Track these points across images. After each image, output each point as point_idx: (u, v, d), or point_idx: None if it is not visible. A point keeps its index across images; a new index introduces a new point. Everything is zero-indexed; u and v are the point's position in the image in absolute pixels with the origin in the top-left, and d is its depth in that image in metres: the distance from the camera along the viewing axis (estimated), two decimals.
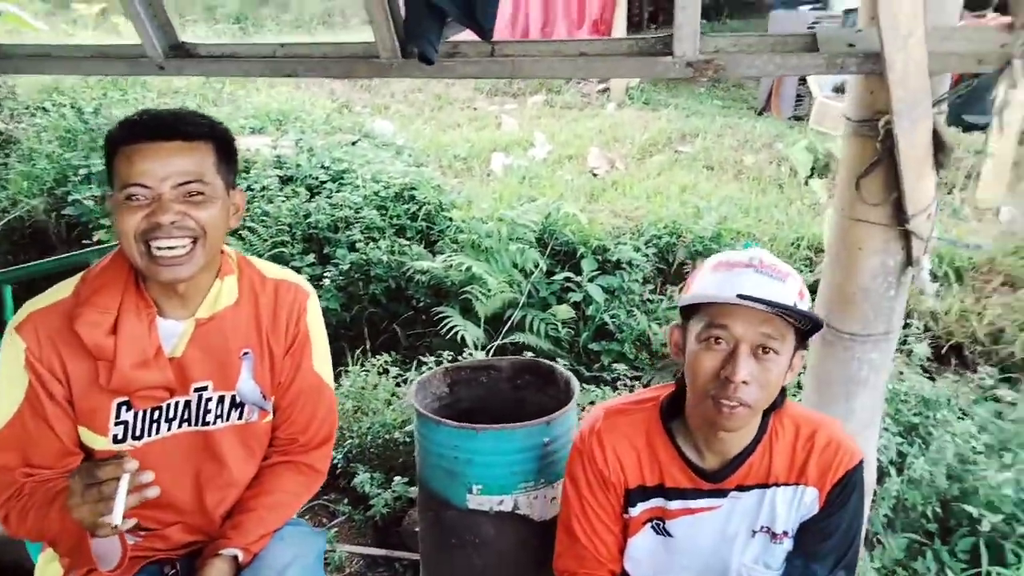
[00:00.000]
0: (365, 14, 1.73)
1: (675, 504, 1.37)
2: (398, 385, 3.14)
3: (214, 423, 1.39)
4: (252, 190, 4.97)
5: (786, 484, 1.33)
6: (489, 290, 3.93)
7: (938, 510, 2.14)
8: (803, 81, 7.41)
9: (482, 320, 3.88)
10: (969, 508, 2.06)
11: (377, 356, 3.39)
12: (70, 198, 5.05)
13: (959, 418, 2.31)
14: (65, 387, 1.30)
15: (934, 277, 1.72)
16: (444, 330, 3.81)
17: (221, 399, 1.39)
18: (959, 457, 2.19)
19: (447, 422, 1.85)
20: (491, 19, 1.55)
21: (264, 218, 4.65)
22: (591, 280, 4.11)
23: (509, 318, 4.03)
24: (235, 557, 1.35)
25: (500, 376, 2.23)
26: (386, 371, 3.29)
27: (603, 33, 8.18)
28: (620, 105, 7.94)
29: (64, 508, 1.19)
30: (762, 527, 1.36)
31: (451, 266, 4.13)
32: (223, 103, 7.18)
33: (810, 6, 8.18)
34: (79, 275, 1.37)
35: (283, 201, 4.80)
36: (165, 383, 1.32)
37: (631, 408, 1.44)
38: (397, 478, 2.59)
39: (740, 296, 1.17)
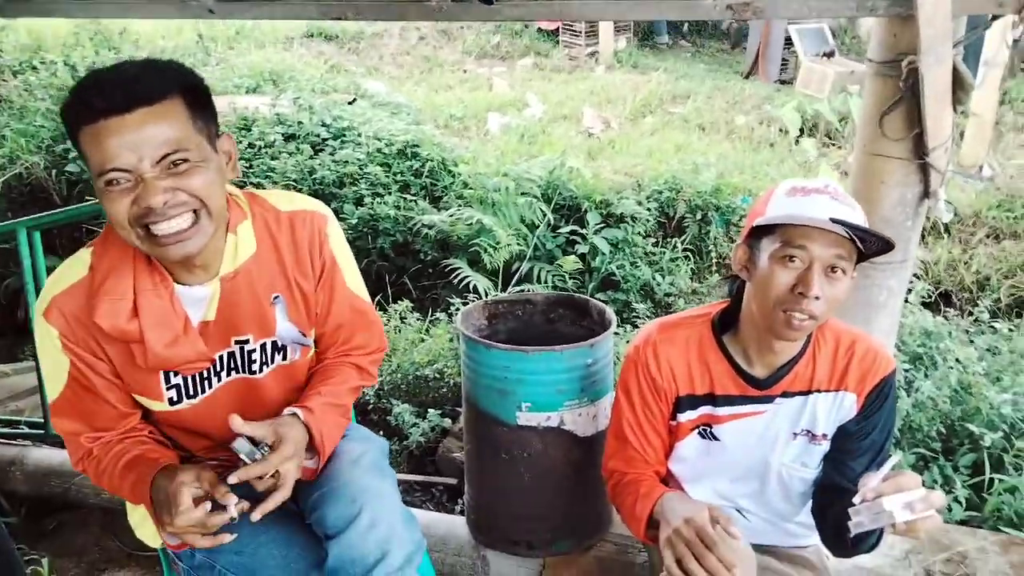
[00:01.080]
0: None
1: (723, 411, 1.48)
2: (421, 331, 3.26)
3: (260, 371, 1.40)
4: (255, 147, 5.02)
5: (827, 391, 1.45)
6: (498, 242, 4.05)
7: (942, 429, 2.32)
8: (788, 45, 7.56)
9: (498, 272, 4.00)
10: (971, 427, 2.25)
11: (398, 303, 3.50)
12: (71, 155, 5.05)
13: (964, 345, 2.50)
14: (107, 362, 1.28)
15: (950, 206, 1.88)
16: (455, 281, 3.93)
17: (263, 346, 1.38)
18: (961, 382, 2.38)
19: (499, 345, 1.98)
20: None
21: (270, 174, 4.70)
22: (596, 233, 4.24)
23: (516, 270, 4.17)
24: (295, 415, 1.34)
25: (535, 309, 2.36)
26: (404, 317, 3.42)
27: None
28: (609, 68, 8.04)
29: (134, 488, 1.25)
30: (803, 430, 1.48)
31: (458, 220, 4.25)
32: (212, 64, 7.14)
33: None
34: (88, 250, 1.27)
35: (288, 157, 4.86)
36: (199, 356, 1.28)
37: (684, 322, 1.55)
38: (431, 411, 2.73)
39: (832, 219, 1.27)
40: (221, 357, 1.33)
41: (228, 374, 1.36)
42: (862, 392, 1.44)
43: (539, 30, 8.92)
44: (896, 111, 1.80)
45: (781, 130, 5.85)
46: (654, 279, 4.02)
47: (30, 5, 2.29)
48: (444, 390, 2.86)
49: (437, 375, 2.87)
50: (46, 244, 2.71)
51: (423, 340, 3.16)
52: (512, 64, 8.34)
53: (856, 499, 1.18)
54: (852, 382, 1.44)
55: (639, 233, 4.31)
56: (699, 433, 1.53)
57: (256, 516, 1.21)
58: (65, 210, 3.00)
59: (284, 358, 1.41)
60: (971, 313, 3.17)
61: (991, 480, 2.13)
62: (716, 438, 1.51)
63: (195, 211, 1.16)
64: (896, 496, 1.15)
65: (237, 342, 1.34)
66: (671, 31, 9.45)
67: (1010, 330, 2.77)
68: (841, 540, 1.34)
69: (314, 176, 4.74)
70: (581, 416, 2.02)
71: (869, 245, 1.34)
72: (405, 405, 2.73)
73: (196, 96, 1.17)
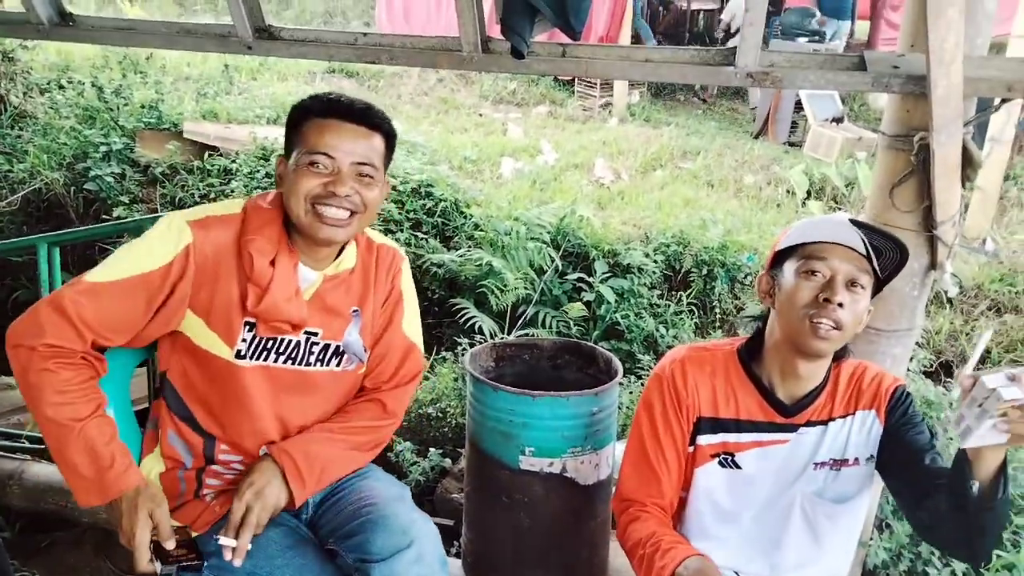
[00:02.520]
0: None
1: (746, 437, 1.50)
2: (429, 369, 3.28)
3: (314, 365, 1.52)
4: (272, 176, 5.09)
5: (842, 417, 1.49)
6: (505, 285, 4.10)
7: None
8: (799, 109, 7.72)
9: (504, 314, 4.04)
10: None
11: None
12: (91, 174, 5.13)
13: None
14: (196, 296, 1.39)
15: (955, 280, 1.92)
16: (461, 320, 3.96)
17: (326, 347, 1.53)
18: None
19: (506, 388, 2.00)
20: (582, 21, 1.73)
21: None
22: (603, 282, 4.29)
23: (522, 313, 4.20)
24: (269, 455, 1.44)
25: (542, 354, 2.39)
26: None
27: None
28: (622, 120, 8.19)
29: (82, 449, 1.30)
30: (828, 460, 1.50)
31: (467, 260, 4.30)
32: (235, 93, 7.30)
33: (807, 38, 8.50)
34: (240, 200, 1.48)
35: None
36: (299, 319, 1.45)
37: (712, 348, 1.59)
38: (432, 449, 2.74)
39: (851, 221, 1.39)
40: (288, 340, 1.47)
41: (284, 361, 1.48)
42: (880, 407, 1.49)
43: (555, 79, 9.11)
44: (906, 184, 1.86)
45: (788, 191, 5.94)
46: (658, 331, 4.06)
47: (77, 32, 2.38)
48: (446, 430, 2.87)
49: (440, 414, 2.89)
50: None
51: (427, 378, 3.17)
52: (527, 111, 8.50)
53: (955, 394, 1.11)
54: (865, 401, 1.50)
55: (645, 284, 4.36)
56: (719, 462, 1.54)
57: (237, 562, 1.32)
58: (87, 229, 3.05)
59: (339, 365, 1.55)
60: None
61: (991, 555, 2.13)
62: (738, 466, 1.53)
63: (353, 212, 1.40)
64: (997, 374, 1.07)
65: (307, 333, 1.48)
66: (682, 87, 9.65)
67: None
68: (964, 506, 1.23)
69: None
70: (584, 464, 2.03)
71: (884, 265, 1.42)
72: (407, 443, 2.74)
73: (390, 141, 1.49)
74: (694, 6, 10.93)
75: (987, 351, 3.85)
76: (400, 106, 8.19)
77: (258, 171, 5.18)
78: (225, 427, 1.47)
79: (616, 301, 4.25)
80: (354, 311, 1.54)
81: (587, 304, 4.27)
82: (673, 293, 4.46)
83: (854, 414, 1.48)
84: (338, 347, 1.53)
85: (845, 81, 1.80)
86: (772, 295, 1.48)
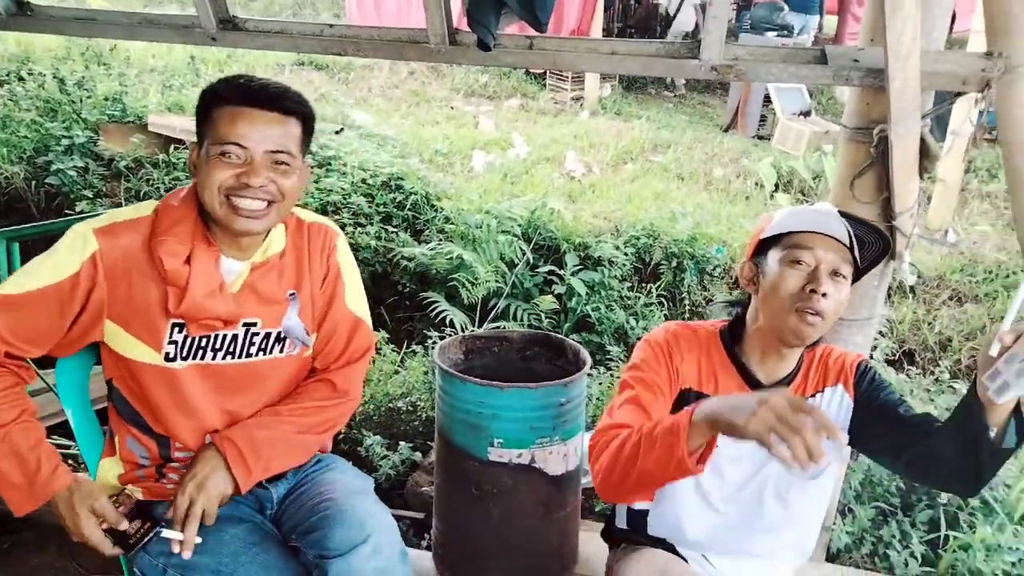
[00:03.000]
0: None
1: None
2: (399, 363, 3.27)
3: (256, 355, 1.50)
4: None
5: (812, 395, 1.53)
6: (476, 278, 4.10)
7: (901, 485, 2.38)
8: (767, 103, 7.80)
9: (475, 307, 4.04)
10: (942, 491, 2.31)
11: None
12: (52, 168, 5.03)
13: (925, 404, 2.57)
14: (113, 305, 1.36)
15: (913, 270, 1.96)
16: (432, 314, 3.95)
17: (267, 335, 1.50)
18: None
19: (475, 380, 2.01)
20: (548, 13, 1.73)
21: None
22: (573, 274, 4.31)
23: (493, 306, 4.21)
24: (212, 444, 1.43)
25: (511, 347, 2.39)
26: (379, 348, 3.43)
27: None
28: (593, 114, 8.21)
29: (7, 454, 1.30)
30: None
31: (438, 254, 4.29)
32: (202, 85, 7.17)
33: (775, 33, 8.60)
34: (154, 203, 1.45)
35: None
36: (227, 315, 1.42)
37: (696, 327, 1.62)
38: (402, 443, 2.73)
39: (840, 212, 1.42)
40: (225, 336, 1.44)
41: (224, 357, 1.45)
42: (847, 382, 1.54)
43: (527, 73, 9.11)
44: (866, 175, 1.89)
45: (757, 184, 6.01)
46: (628, 323, 4.09)
47: (35, 22, 2.33)
48: (416, 423, 2.87)
49: (410, 408, 2.88)
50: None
51: (397, 372, 3.17)
52: (499, 104, 8.49)
53: (992, 351, 1.10)
54: (832, 378, 1.54)
55: (615, 277, 4.39)
56: None
57: (186, 554, 1.32)
58: (46, 223, 2.99)
59: (282, 351, 1.52)
60: (933, 373, 3.26)
61: (946, 537, 2.19)
62: (715, 444, 1.55)
63: (271, 202, 1.37)
64: None
65: (245, 324, 1.46)
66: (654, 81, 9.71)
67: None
68: (977, 451, 1.25)
69: (297, 204, 4.76)
70: (552, 454, 2.04)
71: (864, 256, 1.46)
72: (376, 437, 2.74)
73: (308, 125, 1.44)
74: None
75: (948, 339, 3.94)
76: (371, 99, 8.13)
77: None
78: (174, 428, 1.45)
79: (587, 293, 4.27)
80: (291, 295, 1.51)
81: (558, 297, 4.29)
82: (643, 285, 4.50)
83: (823, 391, 1.53)
84: (279, 333, 1.51)
85: (807, 74, 1.82)
86: (755, 282, 1.51)
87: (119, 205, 5.01)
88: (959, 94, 1.79)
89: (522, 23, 1.88)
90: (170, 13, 2.30)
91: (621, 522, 1.76)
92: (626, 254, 4.52)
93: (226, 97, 1.36)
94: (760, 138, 7.65)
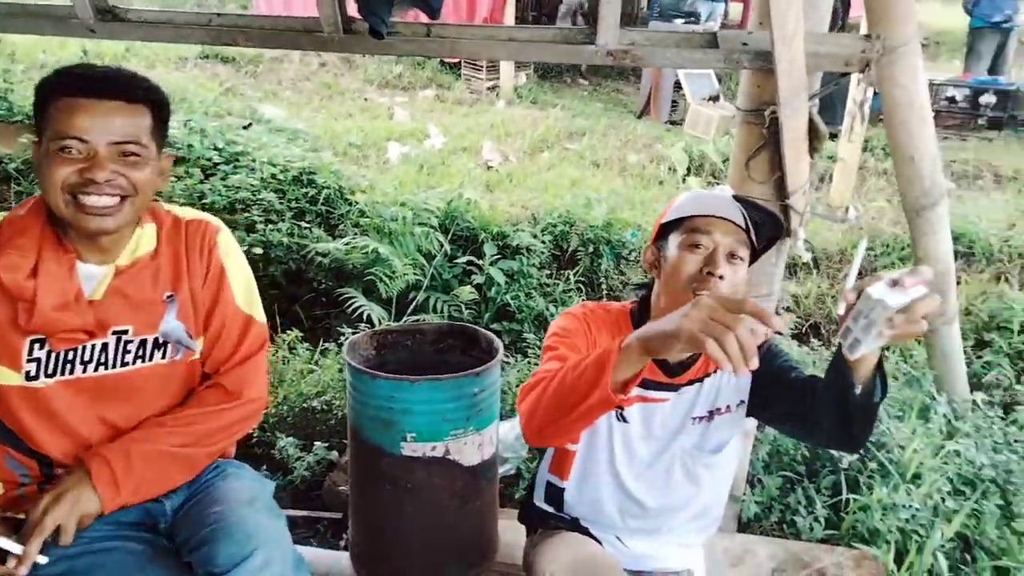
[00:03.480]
0: None
1: (634, 392, 1.51)
2: (313, 361, 3.19)
3: (133, 364, 1.41)
4: None
5: (715, 371, 1.58)
6: (394, 272, 4.04)
7: (806, 454, 2.48)
8: (678, 88, 7.97)
9: (393, 302, 3.98)
10: (831, 451, 2.42)
11: (286, 333, 3.43)
12: None
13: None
14: None
15: (808, 246, 2.03)
16: (349, 310, 3.88)
17: (143, 342, 1.41)
18: None
19: (383, 375, 1.97)
20: (440, 0, 1.70)
21: (156, 198, 4.50)
22: (492, 264, 4.30)
23: (412, 300, 4.16)
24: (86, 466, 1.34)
25: (425, 340, 2.37)
26: (293, 347, 3.34)
27: None
28: (509, 103, 8.22)
29: None
30: (705, 414, 1.58)
31: (354, 248, 4.21)
32: None
33: (683, 20, 8.80)
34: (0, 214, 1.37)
35: (175, 181, 4.68)
36: (84, 325, 1.33)
37: (607, 306, 1.65)
38: (317, 443, 2.67)
39: (734, 197, 1.46)
40: (93, 346, 1.36)
41: (96, 368, 1.37)
42: None
43: (441, 63, 9.03)
44: (760, 156, 1.95)
45: (670, 169, 6.14)
46: (548, 310, 4.11)
47: None
48: (332, 422, 2.81)
49: (325, 407, 2.82)
50: None
51: (312, 371, 3.09)
52: (414, 95, 8.40)
53: (840, 309, 1.10)
54: None
55: (534, 265, 4.40)
56: (614, 414, 1.58)
57: (22, 571, 1.22)
58: None
59: (164, 356, 1.44)
60: (834, 345, 3.40)
61: (847, 500, 2.29)
62: (626, 420, 1.58)
63: (123, 197, 1.30)
64: (878, 283, 1.06)
65: (115, 332, 1.38)
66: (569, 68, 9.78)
67: None
68: (847, 407, 1.26)
69: (204, 201, 4.59)
70: (467, 445, 2.03)
71: (760, 237, 1.50)
72: (290, 438, 2.66)
73: (161, 113, 1.37)
74: None
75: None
76: (281, 92, 7.91)
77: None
78: (49, 448, 1.37)
79: (506, 283, 4.27)
80: (168, 297, 1.43)
81: (477, 287, 4.27)
82: (561, 272, 4.53)
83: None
84: (157, 339, 1.43)
85: (700, 58, 1.86)
86: (657, 266, 1.55)
87: (9, 209, 4.71)
88: (844, 75, 1.86)
89: (417, 11, 1.85)
90: (44, 3, 2.16)
91: (539, 499, 1.78)
92: (544, 242, 4.54)
93: (63, 88, 1.27)
94: (672, 123, 7.82)
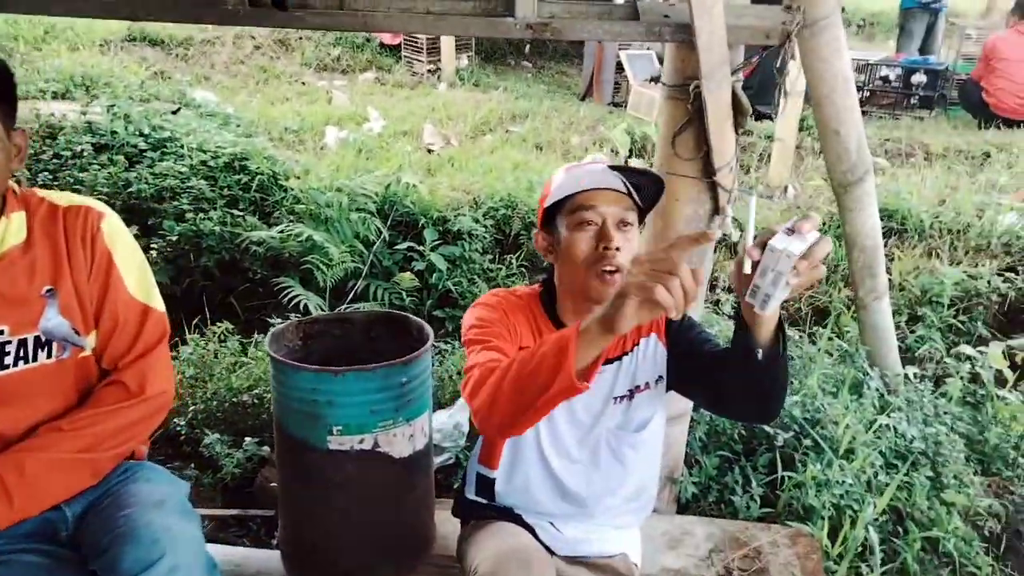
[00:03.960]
0: None
1: None
2: (242, 353, 3.08)
3: (14, 366, 1.32)
4: (61, 157, 4.59)
5: (631, 349, 1.54)
6: (330, 259, 3.93)
7: (743, 432, 2.49)
8: (621, 70, 7.96)
9: (327, 290, 3.87)
10: (767, 428, 2.43)
11: (216, 325, 3.30)
12: None
13: None
14: None
15: (736, 223, 2.02)
16: (285, 300, 3.76)
17: (23, 342, 1.32)
18: None
19: (306, 366, 1.89)
20: None
21: (78, 187, 4.30)
22: (433, 250, 4.22)
23: (352, 288, 4.06)
24: None
25: (354, 329, 2.29)
26: (225, 339, 3.22)
27: None
28: (451, 85, 8.10)
29: None
30: (625, 392, 1.55)
31: (289, 236, 4.08)
32: (15, 65, 6.49)
33: None
34: None
35: (98, 169, 4.47)
36: None
37: (517, 291, 1.61)
38: (248, 439, 2.58)
39: (609, 167, 1.43)
40: None
41: None
42: (660, 330, 1.56)
43: (381, 45, 8.84)
44: (686, 132, 1.91)
45: (613, 151, 6.12)
46: None
47: None
48: (264, 416, 2.71)
49: (256, 401, 2.72)
50: None
51: (243, 364, 2.98)
52: (353, 78, 8.20)
53: (746, 268, 1.08)
54: (645, 328, 1.55)
55: (477, 250, 4.33)
56: None
57: None
58: None
59: (49, 356, 1.35)
60: None
61: (783, 478, 2.30)
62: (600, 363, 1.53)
63: None
64: (777, 235, 1.06)
65: None
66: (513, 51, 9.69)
67: (800, 336, 3.04)
68: (754, 374, 1.24)
69: (129, 190, 4.39)
70: (397, 437, 1.97)
71: (644, 197, 1.48)
72: (217, 435, 2.56)
73: (3, 87, 1.27)
74: None
75: None
76: (214, 76, 7.64)
77: (44, 152, 4.63)
78: None
79: (448, 269, 4.20)
80: (48, 291, 1.34)
81: (419, 274, 4.19)
82: (504, 257, 4.47)
83: (639, 343, 1.54)
84: (39, 338, 1.34)
85: (621, 31, 1.81)
86: (553, 251, 1.51)
87: None
88: (765, 48, 1.84)
89: None
90: None
91: (471, 492, 1.74)
92: (485, 227, 4.47)
93: None
94: (616, 105, 7.80)
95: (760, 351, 1.20)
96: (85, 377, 1.42)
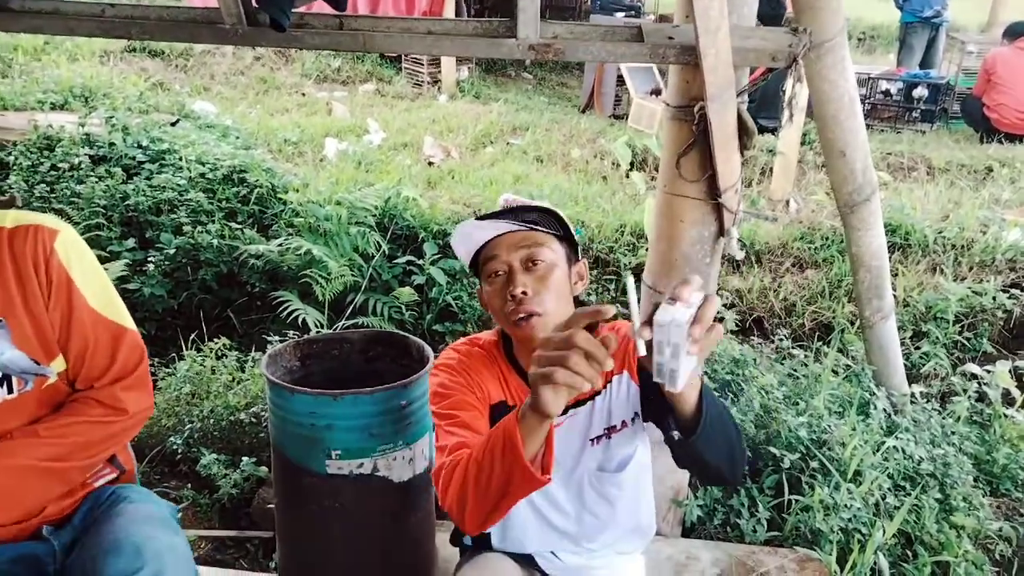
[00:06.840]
0: None
1: None
2: (239, 370, 3.04)
3: None
4: (58, 169, 4.56)
5: (604, 388, 1.49)
6: (329, 273, 3.90)
7: (748, 454, 2.44)
8: (621, 83, 7.95)
9: (326, 305, 3.84)
10: (773, 450, 2.39)
11: (214, 341, 3.26)
12: None
13: (770, 371, 2.66)
14: None
15: (741, 245, 1.99)
16: (284, 315, 3.73)
17: None
18: (764, 407, 2.52)
19: (304, 390, 1.86)
20: None
21: (75, 199, 4.28)
22: (433, 263, 4.19)
23: (351, 302, 4.02)
24: None
25: (352, 349, 2.26)
26: (223, 356, 3.19)
27: None
28: (451, 97, 8.09)
29: None
30: (603, 432, 1.50)
31: (288, 250, 4.05)
32: (14, 75, 6.48)
33: (624, 13, 8.78)
34: None
35: (96, 182, 4.44)
36: None
37: (477, 340, 1.57)
38: (245, 458, 2.54)
39: (505, 208, 1.42)
40: None
41: None
42: (631, 367, 1.49)
43: (381, 56, 8.84)
44: (691, 154, 1.89)
45: (613, 163, 6.09)
46: None
47: None
48: (262, 435, 2.67)
49: (254, 420, 2.68)
50: None
51: (241, 381, 2.95)
52: (353, 89, 8.20)
53: (641, 350, 1.02)
54: (617, 365, 1.49)
55: None
56: None
57: None
58: None
59: (10, 391, 1.26)
60: (780, 338, 3.40)
61: (790, 501, 2.27)
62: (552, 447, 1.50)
63: None
64: (660, 309, 1.01)
65: None
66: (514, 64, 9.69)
67: (806, 355, 3.00)
68: (674, 442, 1.21)
69: (127, 202, 4.36)
70: (397, 460, 1.94)
71: (550, 225, 1.45)
72: (213, 454, 2.52)
73: None
74: None
75: (793, 304, 4.13)
76: (213, 87, 7.63)
77: (41, 164, 4.60)
78: None
79: (448, 282, 4.17)
80: None
81: (419, 288, 4.16)
82: None
83: (611, 381, 1.50)
84: None
85: (625, 52, 1.79)
86: (485, 304, 1.51)
87: None
88: (771, 69, 1.81)
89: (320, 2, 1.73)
90: None
91: (467, 539, 1.71)
92: None
93: None
94: (616, 117, 7.79)
95: (676, 434, 1.17)
96: (52, 402, 1.35)
